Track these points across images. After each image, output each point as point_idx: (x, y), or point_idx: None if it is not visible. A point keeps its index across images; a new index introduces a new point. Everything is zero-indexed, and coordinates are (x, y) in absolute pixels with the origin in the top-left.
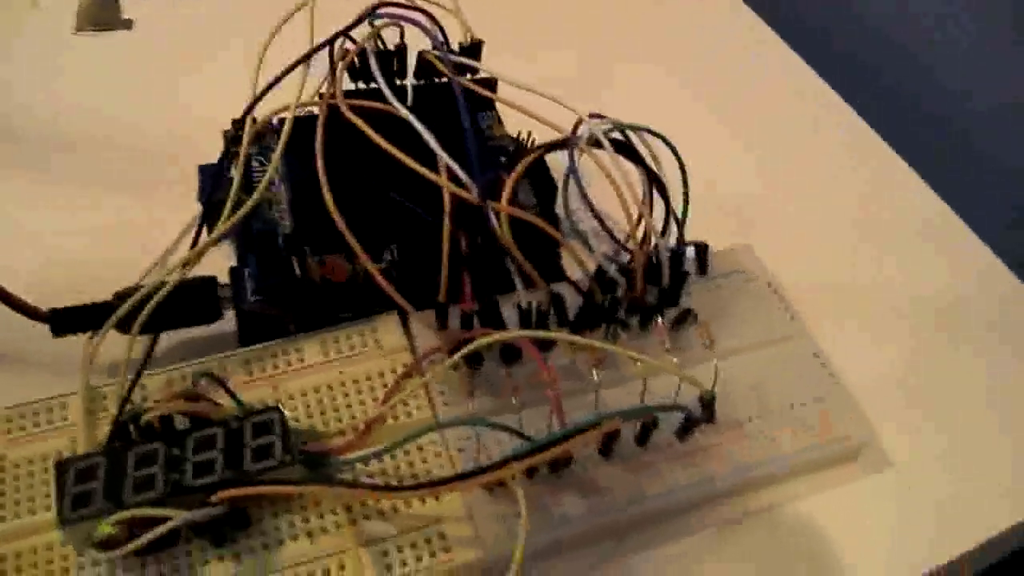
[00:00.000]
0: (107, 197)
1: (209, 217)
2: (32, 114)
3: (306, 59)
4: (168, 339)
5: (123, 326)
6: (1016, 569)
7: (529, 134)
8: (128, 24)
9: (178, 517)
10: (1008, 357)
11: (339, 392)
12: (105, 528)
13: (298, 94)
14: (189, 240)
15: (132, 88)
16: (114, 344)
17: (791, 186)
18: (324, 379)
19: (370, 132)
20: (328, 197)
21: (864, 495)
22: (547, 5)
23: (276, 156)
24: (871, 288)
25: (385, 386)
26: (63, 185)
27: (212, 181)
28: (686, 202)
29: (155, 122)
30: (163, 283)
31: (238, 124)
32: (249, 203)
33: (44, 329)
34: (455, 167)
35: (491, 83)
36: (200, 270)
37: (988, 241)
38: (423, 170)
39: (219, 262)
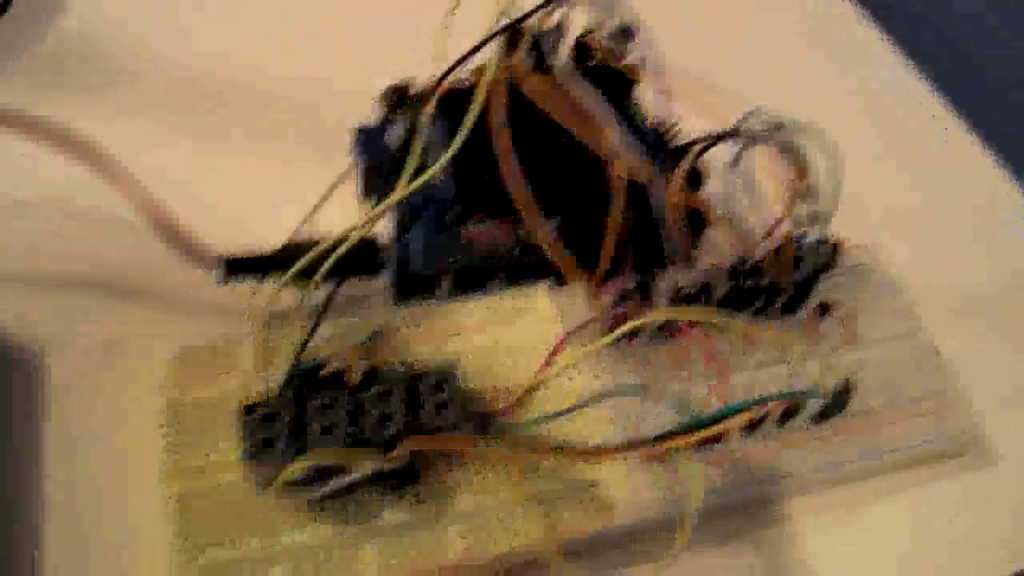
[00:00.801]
0: (254, 150)
1: (371, 178)
2: (164, 62)
3: (503, 31)
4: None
5: (291, 278)
6: None
7: (674, 124)
8: None
9: (361, 466)
10: None
11: (497, 356)
12: (290, 472)
13: (478, 66)
14: (339, 197)
15: (284, 43)
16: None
17: (917, 190)
18: (483, 342)
19: (550, 109)
20: (513, 169)
21: (971, 489)
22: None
23: (467, 121)
24: (989, 292)
25: (540, 355)
26: (210, 135)
27: (371, 144)
28: (835, 200)
29: (306, 80)
30: (343, 239)
31: (397, 90)
32: (435, 168)
33: (209, 276)
34: (632, 147)
35: (637, 70)
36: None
37: None
38: (603, 143)
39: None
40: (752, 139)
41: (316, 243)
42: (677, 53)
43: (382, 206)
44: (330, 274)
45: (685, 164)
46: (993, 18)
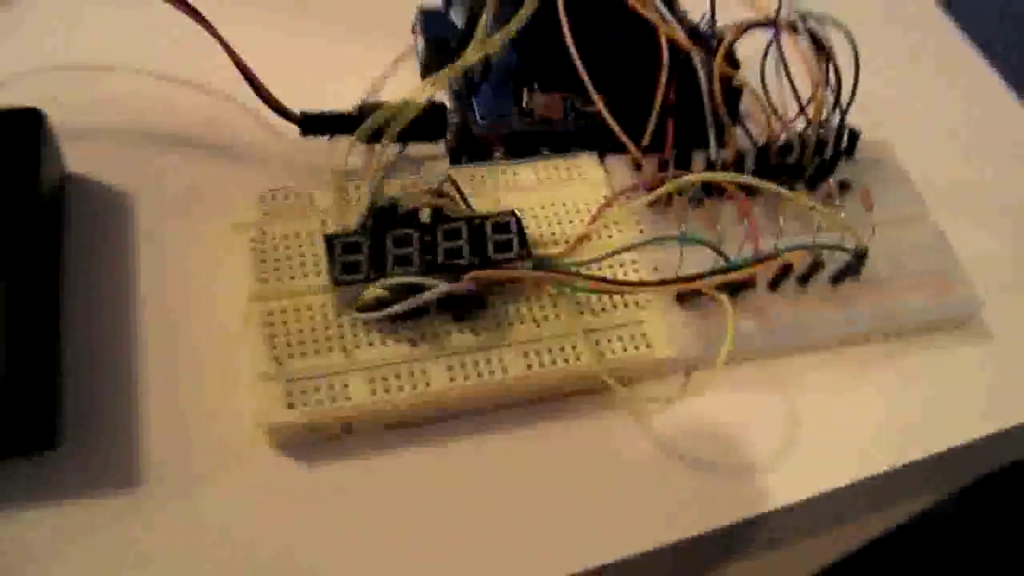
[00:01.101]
0: (328, 27)
1: (432, 55)
2: None
3: None
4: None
5: (364, 135)
6: None
7: (704, 15)
8: None
9: (440, 286)
10: None
11: (550, 211)
12: (375, 291)
13: None
14: (403, 66)
15: None
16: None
17: (927, 95)
18: (536, 199)
19: None
20: (571, 42)
21: (966, 358)
22: None
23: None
24: (994, 190)
25: (589, 211)
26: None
27: (433, 23)
28: (854, 91)
29: None
30: (413, 102)
31: None
32: (501, 35)
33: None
34: (674, 22)
35: None
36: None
37: None
38: (659, 23)
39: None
40: (783, 27)
41: (387, 106)
42: None
43: (450, 69)
44: (399, 136)
45: (727, 40)
46: None
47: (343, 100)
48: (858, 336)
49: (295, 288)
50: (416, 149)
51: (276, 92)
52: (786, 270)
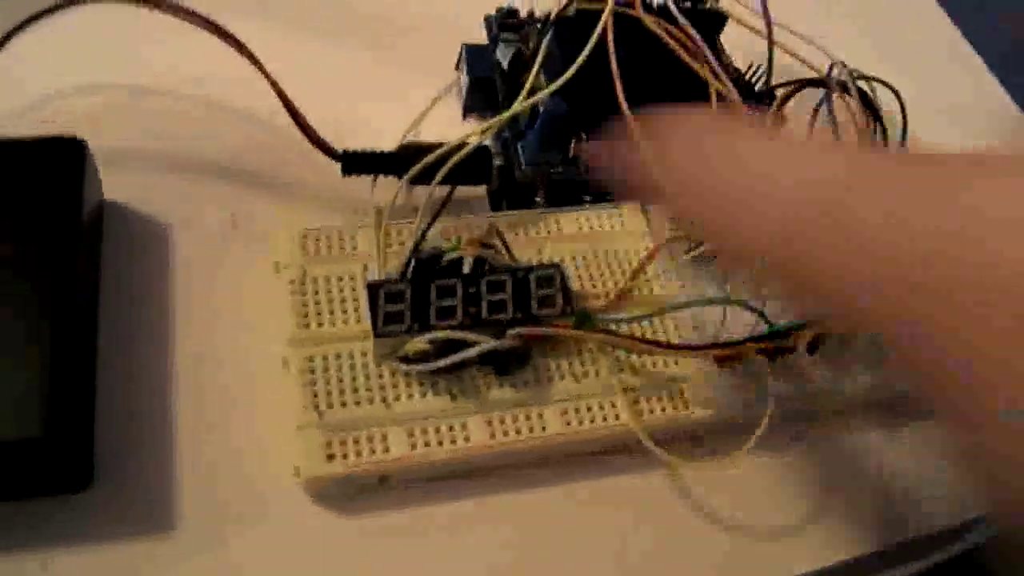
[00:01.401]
0: (372, 62)
1: (476, 93)
2: None
3: None
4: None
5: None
6: None
7: (759, 68)
8: None
9: (484, 343)
10: None
11: (592, 262)
12: (418, 345)
13: None
14: (445, 102)
15: None
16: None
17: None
18: (579, 249)
19: (669, 41)
20: (620, 91)
21: None
22: None
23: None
24: None
25: (630, 264)
26: (336, 44)
27: (479, 61)
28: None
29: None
30: (461, 145)
31: (509, 12)
32: (554, 86)
33: (330, 168)
34: (724, 77)
35: (720, 16)
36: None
37: None
38: (710, 77)
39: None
40: (834, 87)
41: (433, 147)
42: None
43: (498, 119)
44: (444, 178)
45: (777, 99)
46: None
47: (383, 135)
48: (900, 397)
49: (335, 334)
50: (462, 191)
51: (318, 122)
52: (828, 332)
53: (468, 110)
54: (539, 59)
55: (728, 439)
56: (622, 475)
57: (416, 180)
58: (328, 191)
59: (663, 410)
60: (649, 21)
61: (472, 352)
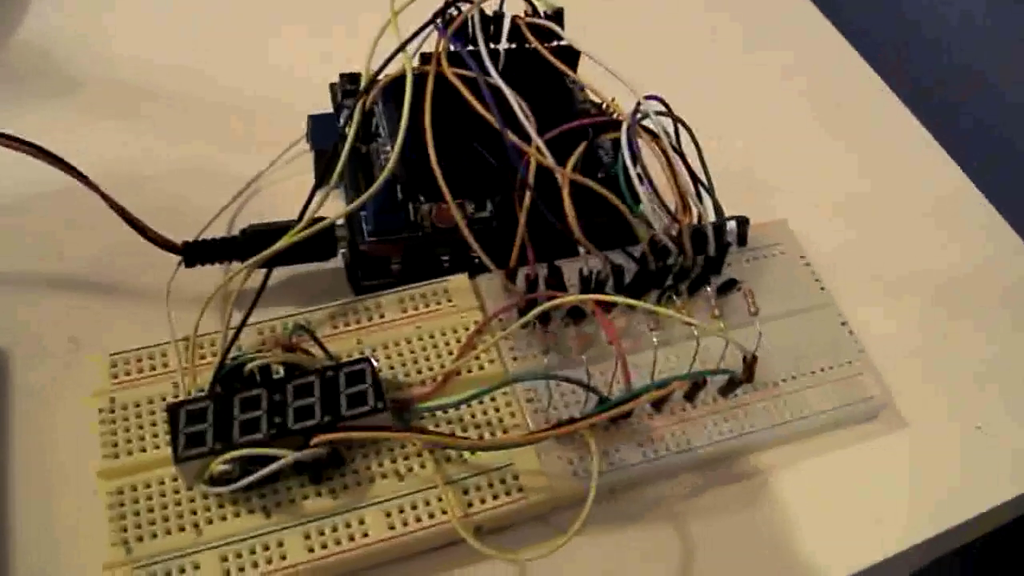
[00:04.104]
0: (200, 142)
1: (322, 162)
2: (128, 62)
3: (430, 23)
4: (276, 276)
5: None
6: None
7: (612, 100)
8: None
9: (286, 457)
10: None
11: (417, 346)
12: (218, 466)
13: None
14: (294, 183)
15: (226, 40)
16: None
17: (825, 166)
18: (403, 333)
19: (468, 96)
20: (432, 154)
21: (882, 452)
22: None
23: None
24: (893, 262)
25: (459, 341)
26: (155, 130)
27: (324, 130)
28: (708, 179)
29: (249, 77)
30: (308, 223)
31: (347, 78)
32: (389, 166)
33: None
34: (533, 134)
35: (573, 52)
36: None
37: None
38: (512, 136)
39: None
40: (629, 128)
41: (276, 228)
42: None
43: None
44: (285, 259)
45: (573, 156)
46: None
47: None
48: (759, 444)
49: (143, 462)
50: (314, 267)
51: (163, 219)
52: (669, 393)
53: (320, 183)
54: (349, 129)
55: (571, 515)
56: (462, 570)
57: (267, 266)
58: (174, 291)
59: (496, 497)
60: (450, 75)
61: (273, 467)
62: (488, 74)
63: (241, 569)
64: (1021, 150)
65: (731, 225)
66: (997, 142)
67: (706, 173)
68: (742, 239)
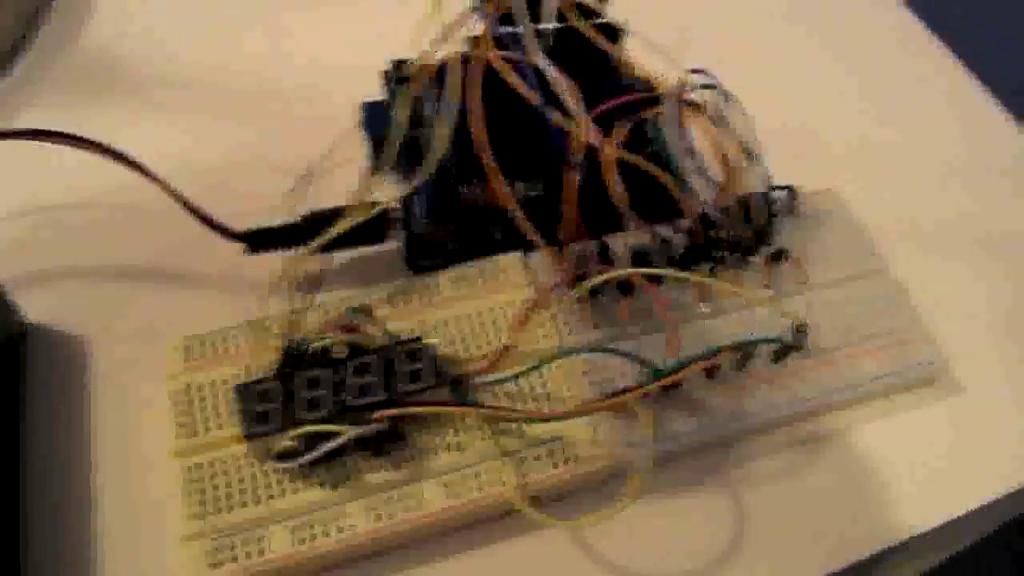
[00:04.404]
0: (258, 133)
1: (379, 149)
2: (186, 61)
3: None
4: (335, 259)
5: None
6: None
7: (661, 75)
8: None
9: (347, 433)
10: None
11: (474, 322)
12: (284, 442)
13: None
14: (351, 169)
15: (279, 33)
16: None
17: (879, 131)
18: (459, 311)
19: (511, 77)
20: (481, 136)
21: (938, 417)
22: None
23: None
24: (952, 225)
25: (512, 317)
26: (214, 124)
27: (378, 117)
28: (756, 149)
29: (305, 67)
30: (360, 207)
31: (398, 65)
32: (439, 149)
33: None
34: (579, 111)
35: (615, 28)
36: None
37: None
38: (556, 117)
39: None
40: (672, 103)
41: (333, 213)
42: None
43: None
44: (343, 243)
45: (616, 133)
46: None
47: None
48: (813, 411)
49: (215, 440)
50: (372, 255)
51: (227, 210)
52: (718, 363)
53: (375, 168)
54: (402, 114)
55: (627, 485)
56: (515, 541)
57: (326, 250)
58: (239, 277)
59: (553, 466)
60: (492, 57)
61: (337, 442)
62: (531, 55)
63: (310, 539)
64: None
65: (781, 195)
66: None
67: (754, 143)
68: (793, 207)
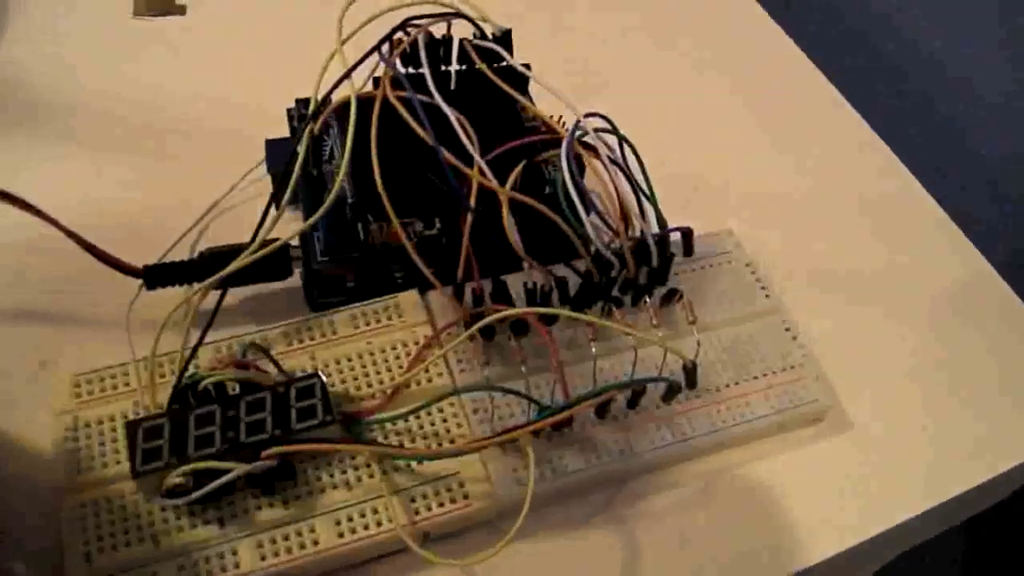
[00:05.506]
0: (164, 169)
1: (281, 186)
2: (93, 94)
3: (375, 49)
4: (237, 295)
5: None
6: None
7: (560, 118)
8: (183, 10)
9: (237, 469)
10: (965, 332)
11: (368, 360)
12: (173, 479)
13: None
14: (253, 206)
15: (187, 71)
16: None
17: (771, 174)
18: (354, 349)
19: (407, 118)
20: (377, 175)
21: (827, 454)
22: None
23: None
24: (842, 266)
25: (408, 355)
26: (120, 158)
27: (280, 154)
28: (650, 191)
29: (209, 105)
30: (261, 244)
31: (302, 103)
32: (336, 185)
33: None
34: (474, 153)
35: (520, 72)
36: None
37: (957, 219)
38: (448, 156)
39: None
40: (569, 145)
41: (231, 250)
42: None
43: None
44: (242, 279)
45: (512, 174)
46: None
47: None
48: (702, 449)
49: (104, 477)
50: (272, 287)
51: (125, 246)
52: (609, 400)
53: (277, 205)
54: (298, 153)
55: (516, 521)
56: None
57: (223, 286)
58: (137, 313)
59: (442, 504)
60: (392, 98)
61: (225, 479)
62: (428, 96)
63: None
64: (968, 149)
65: (677, 236)
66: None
67: (649, 186)
68: (688, 249)
